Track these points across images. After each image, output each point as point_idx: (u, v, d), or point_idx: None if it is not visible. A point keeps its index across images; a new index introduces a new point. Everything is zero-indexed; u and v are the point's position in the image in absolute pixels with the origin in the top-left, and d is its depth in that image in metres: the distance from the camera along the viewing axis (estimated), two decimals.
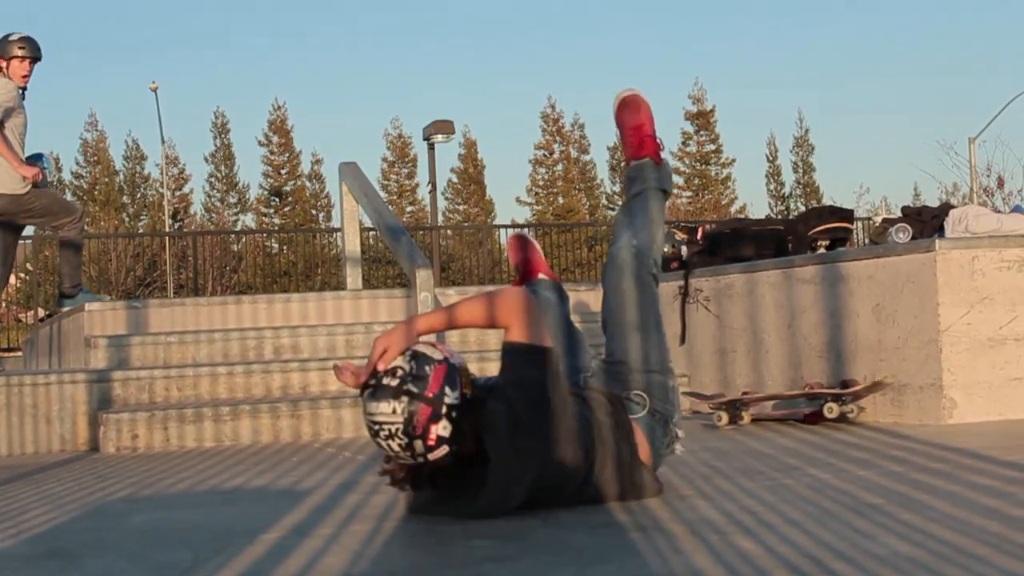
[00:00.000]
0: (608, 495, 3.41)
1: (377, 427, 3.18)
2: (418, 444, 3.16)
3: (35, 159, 8.47)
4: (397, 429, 3.15)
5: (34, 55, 8.43)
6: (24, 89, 8.44)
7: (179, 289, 29.82)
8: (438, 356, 3.25)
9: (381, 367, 3.20)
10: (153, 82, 42.67)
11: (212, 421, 6.04)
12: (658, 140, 3.88)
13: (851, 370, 5.83)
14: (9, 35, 8.42)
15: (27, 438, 6.15)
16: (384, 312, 8.12)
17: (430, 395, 3.15)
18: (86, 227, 8.73)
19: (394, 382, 3.17)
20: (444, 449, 3.18)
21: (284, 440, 6.06)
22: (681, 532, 2.95)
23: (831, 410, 5.63)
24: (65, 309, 8.63)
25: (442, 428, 3.16)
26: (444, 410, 3.16)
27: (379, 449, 3.26)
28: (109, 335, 7.26)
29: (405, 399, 3.15)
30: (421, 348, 3.27)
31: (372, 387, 3.19)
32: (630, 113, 3.92)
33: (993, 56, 72.70)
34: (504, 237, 31.83)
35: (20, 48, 8.36)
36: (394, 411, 3.14)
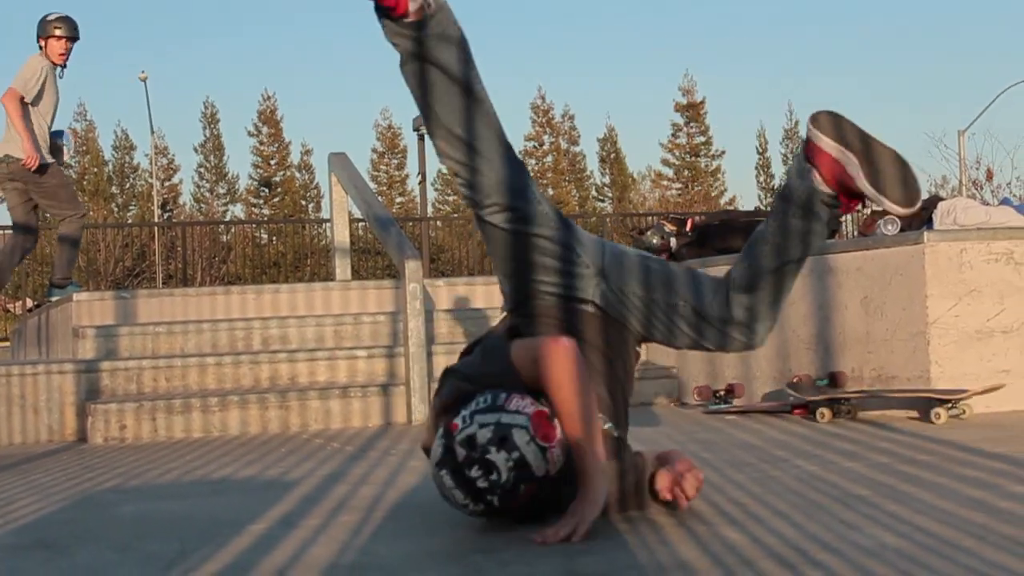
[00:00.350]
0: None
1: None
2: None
3: (56, 136, 8.71)
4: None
5: (71, 34, 8.64)
6: (63, 67, 8.67)
7: (168, 279, 29.77)
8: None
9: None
10: (142, 72, 42.63)
11: (200, 412, 6.03)
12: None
13: (839, 362, 5.84)
14: (48, 15, 8.63)
15: (15, 428, 6.14)
16: (373, 303, 8.12)
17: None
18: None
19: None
20: None
21: (272, 431, 6.06)
22: (668, 524, 2.96)
23: (938, 416, 5.14)
24: (54, 299, 8.64)
25: None
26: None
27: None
28: (97, 325, 7.25)
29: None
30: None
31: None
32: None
33: (983, 49, 72.88)
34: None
35: (57, 28, 8.58)
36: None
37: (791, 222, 3.18)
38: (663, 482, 3.08)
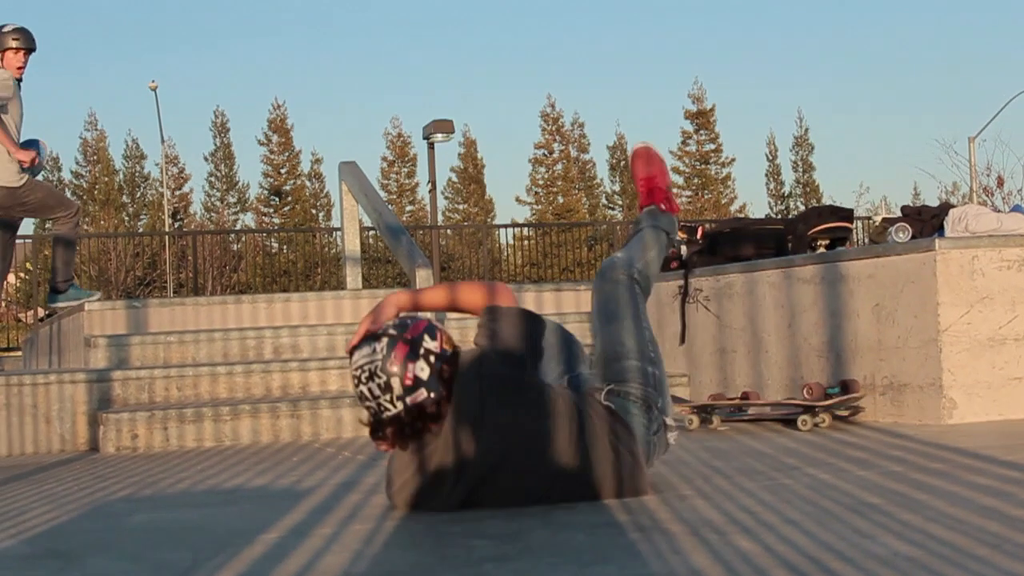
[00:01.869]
0: (605, 492, 3.44)
1: (359, 372, 3.33)
2: (395, 383, 3.27)
3: (30, 145, 8.42)
4: (376, 367, 3.29)
5: (28, 46, 8.44)
6: (20, 80, 8.44)
7: (179, 288, 29.82)
8: (421, 316, 3.50)
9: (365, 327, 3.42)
10: (153, 81, 42.69)
11: (212, 421, 6.04)
12: (668, 191, 4.13)
13: (851, 370, 5.83)
14: (3, 26, 8.42)
15: (27, 438, 6.16)
16: None
17: (409, 336, 3.32)
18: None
19: (377, 330, 3.37)
20: (423, 393, 3.29)
21: (284, 440, 6.06)
22: (680, 532, 2.95)
23: (805, 423, 5.55)
24: (60, 306, 8.59)
25: (419, 369, 3.29)
26: (422, 351, 3.31)
27: (364, 406, 3.38)
28: (109, 335, 7.26)
29: (385, 339, 3.32)
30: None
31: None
32: (643, 164, 4.21)
33: (993, 55, 72.72)
34: (504, 237, 31.85)
35: (15, 39, 8.36)
36: (374, 351, 3.31)
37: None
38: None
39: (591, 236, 33.10)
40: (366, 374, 3.30)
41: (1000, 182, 32.38)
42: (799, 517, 3.10)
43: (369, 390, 3.31)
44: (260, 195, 51.81)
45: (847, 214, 7.77)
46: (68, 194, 8.96)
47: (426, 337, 3.34)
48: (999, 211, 6.88)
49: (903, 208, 7.28)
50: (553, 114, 54.03)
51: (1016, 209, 7.10)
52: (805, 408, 5.59)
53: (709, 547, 2.77)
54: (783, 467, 4.18)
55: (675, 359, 7.00)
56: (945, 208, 7.03)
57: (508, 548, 2.86)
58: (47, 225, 8.70)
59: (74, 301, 8.43)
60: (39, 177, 8.76)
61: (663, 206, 4.08)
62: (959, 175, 58.55)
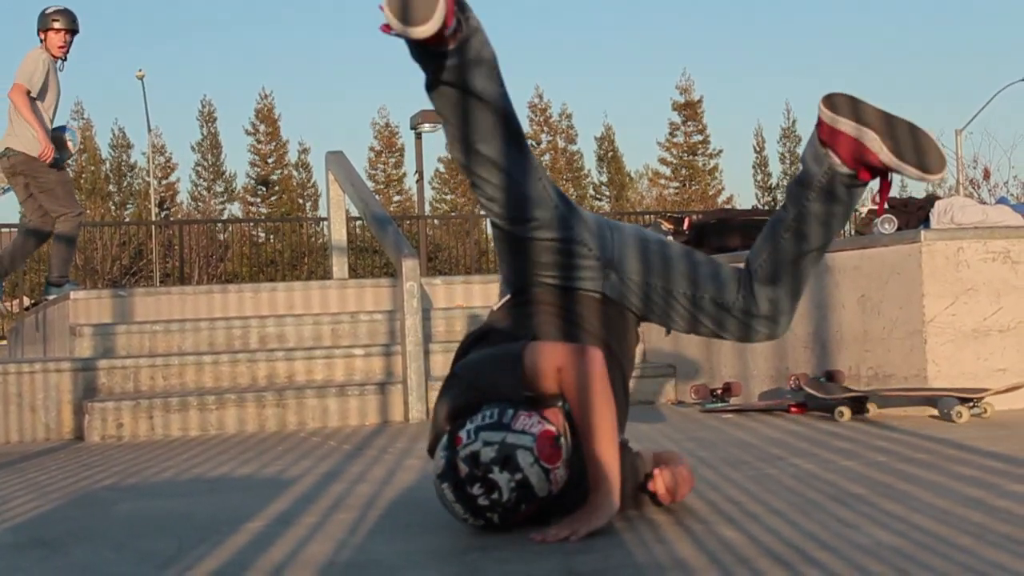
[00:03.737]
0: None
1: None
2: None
3: (60, 130, 8.74)
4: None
5: (70, 27, 8.69)
6: (63, 60, 8.72)
7: (165, 278, 29.76)
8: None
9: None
10: (140, 70, 42.60)
11: (197, 410, 6.03)
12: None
13: (836, 361, 5.84)
14: (47, 8, 8.70)
15: (11, 427, 6.14)
16: (370, 302, 8.12)
17: None
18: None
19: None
20: None
21: (269, 429, 6.06)
22: (665, 522, 2.96)
23: (960, 414, 5.09)
24: (51, 297, 8.63)
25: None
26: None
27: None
28: (94, 324, 7.24)
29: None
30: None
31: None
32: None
33: (980, 48, 72.90)
34: (491, 227, 31.82)
35: (55, 20, 8.63)
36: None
37: (810, 207, 3.18)
38: (661, 487, 3.07)
39: None
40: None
41: (987, 174, 32.47)
42: (784, 507, 3.11)
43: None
44: (247, 184, 51.79)
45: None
46: None
47: None
48: (985, 203, 6.90)
49: (889, 200, 7.29)
50: (541, 105, 54.07)
51: (1002, 201, 7.14)
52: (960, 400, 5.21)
53: (693, 537, 2.78)
54: (768, 457, 4.18)
55: (660, 349, 7.00)
56: (931, 200, 7.06)
57: (494, 538, 2.85)
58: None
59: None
60: (71, 161, 8.93)
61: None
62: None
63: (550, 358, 2.90)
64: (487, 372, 2.98)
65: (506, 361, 2.95)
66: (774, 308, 3.26)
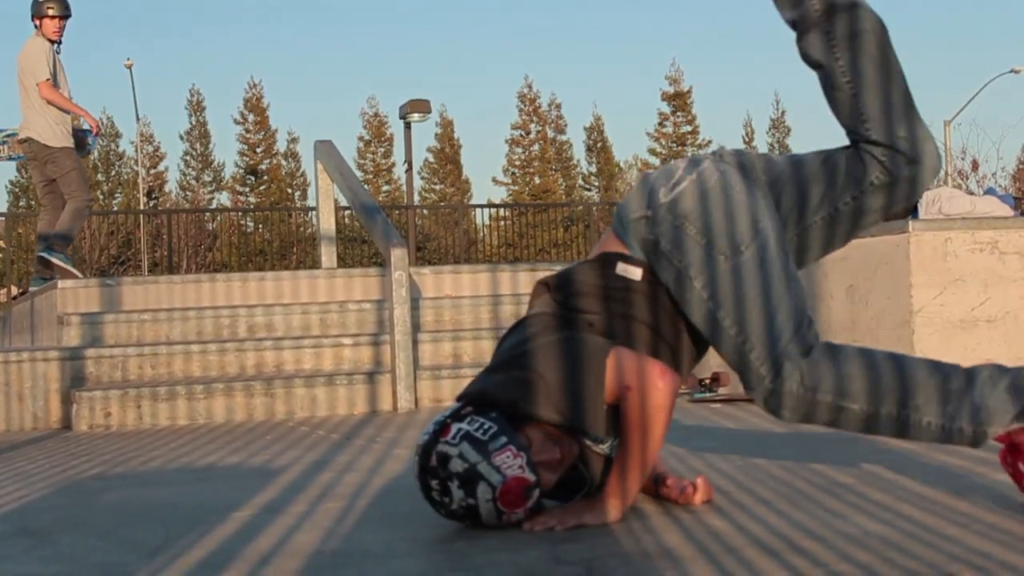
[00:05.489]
0: None
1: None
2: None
3: (84, 133, 9.29)
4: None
5: (64, 13, 9.06)
6: (59, 43, 9.06)
7: (153, 267, 29.71)
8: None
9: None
10: (128, 59, 42.49)
11: (185, 399, 6.02)
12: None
13: None
14: None
15: None
16: (359, 291, 8.11)
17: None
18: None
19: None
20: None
21: (258, 418, 6.05)
22: (653, 511, 2.96)
23: None
24: (53, 260, 8.72)
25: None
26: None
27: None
28: (82, 313, 7.23)
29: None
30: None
31: None
32: None
33: (969, 39, 72.96)
34: (480, 217, 31.80)
35: (50, 8, 8.98)
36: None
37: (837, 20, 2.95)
38: (673, 491, 3.09)
39: (567, 217, 33.12)
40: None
41: (975, 165, 32.61)
42: (771, 496, 3.11)
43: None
44: (236, 174, 51.75)
45: None
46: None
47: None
48: (973, 194, 6.91)
49: None
50: (530, 95, 54.06)
51: (989, 192, 7.14)
52: None
53: (681, 526, 2.78)
54: (756, 447, 4.19)
55: None
56: None
57: (480, 527, 2.85)
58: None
59: (60, 263, 8.80)
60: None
61: None
62: None
63: (626, 372, 2.79)
64: (555, 367, 2.82)
65: (582, 365, 2.81)
66: (909, 142, 2.89)
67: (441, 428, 2.79)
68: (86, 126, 9.41)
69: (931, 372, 2.81)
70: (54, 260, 8.75)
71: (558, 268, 8.90)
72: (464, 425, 2.77)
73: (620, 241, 2.99)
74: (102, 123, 49.61)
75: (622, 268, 2.94)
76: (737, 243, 2.84)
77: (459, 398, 2.91)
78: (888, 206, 2.97)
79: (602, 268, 2.98)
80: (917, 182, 2.91)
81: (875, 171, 2.90)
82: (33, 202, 9.81)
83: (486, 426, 2.76)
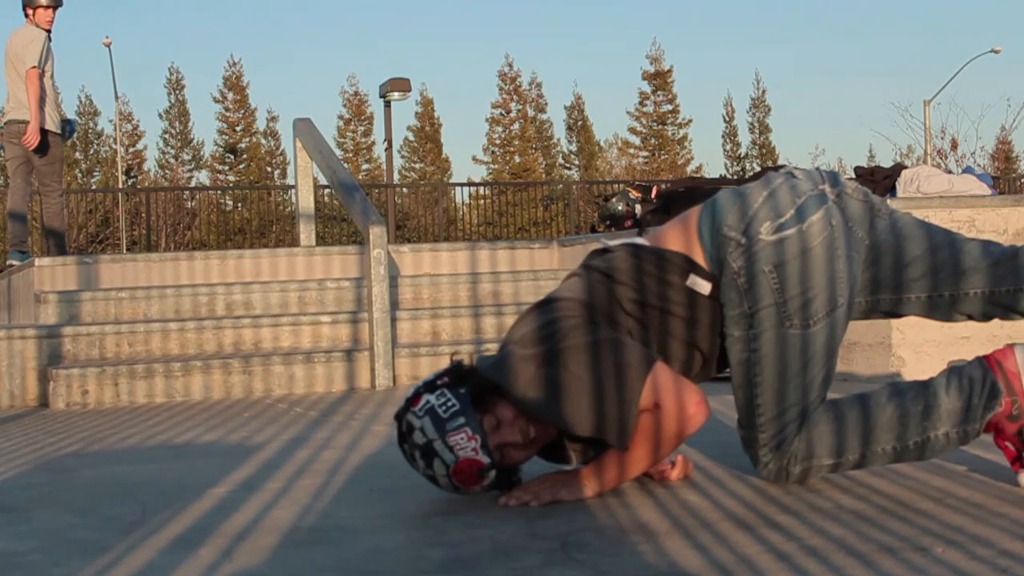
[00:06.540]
0: None
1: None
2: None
3: (68, 123, 9.52)
4: None
5: (55, 3, 9.30)
6: (49, 32, 9.26)
7: (132, 246, 29.62)
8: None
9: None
10: (107, 37, 42.27)
11: (163, 377, 6.01)
12: None
13: None
14: None
15: None
16: (337, 269, 8.11)
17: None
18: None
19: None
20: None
21: (235, 396, 6.04)
22: (629, 487, 2.97)
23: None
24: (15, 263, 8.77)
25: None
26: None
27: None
28: (59, 291, 7.20)
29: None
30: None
31: None
32: None
33: (950, 20, 73.07)
34: (460, 196, 31.76)
35: None
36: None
37: None
38: (677, 475, 3.10)
39: (547, 196, 33.10)
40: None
41: (954, 145, 32.68)
42: (747, 472, 3.12)
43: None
44: (215, 152, 51.50)
45: None
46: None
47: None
48: (952, 173, 6.92)
49: (856, 169, 7.32)
50: (511, 74, 53.93)
51: (967, 171, 7.15)
52: None
53: (657, 501, 2.79)
54: (731, 423, 4.19)
55: None
56: (898, 169, 7.07)
57: (456, 503, 2.86)
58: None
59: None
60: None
61: None
62: (914, 138, 58.82)
63: (664, 392, 2.75)
64: (593, 373, 2.75)
65: (624, 377, 2.74)
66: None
67: (413, 397, 2.81)
68: (70, 116, 9.66)
69: (898, 402, 2.81)
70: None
71: (536, 246, 8.94)
72: (432, 398, 2.78)
73: (697, 238, 2.89)
74: (80, 101, 49.48)
75: (692, 280, 2.86)
76: (808, 317, 2.79)
77: (474, 370, 2.86)
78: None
79: (665, 268, 2.88)
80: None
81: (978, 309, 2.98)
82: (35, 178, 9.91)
83: (450, 403, 2.76)
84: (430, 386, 2.82)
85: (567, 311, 2.84)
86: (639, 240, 2.98)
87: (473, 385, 2.80)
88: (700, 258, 2.87)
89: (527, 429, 2.81)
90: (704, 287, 2.85)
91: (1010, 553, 2.17)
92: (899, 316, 3.05)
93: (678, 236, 2.92)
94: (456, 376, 2.83)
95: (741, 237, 2.81)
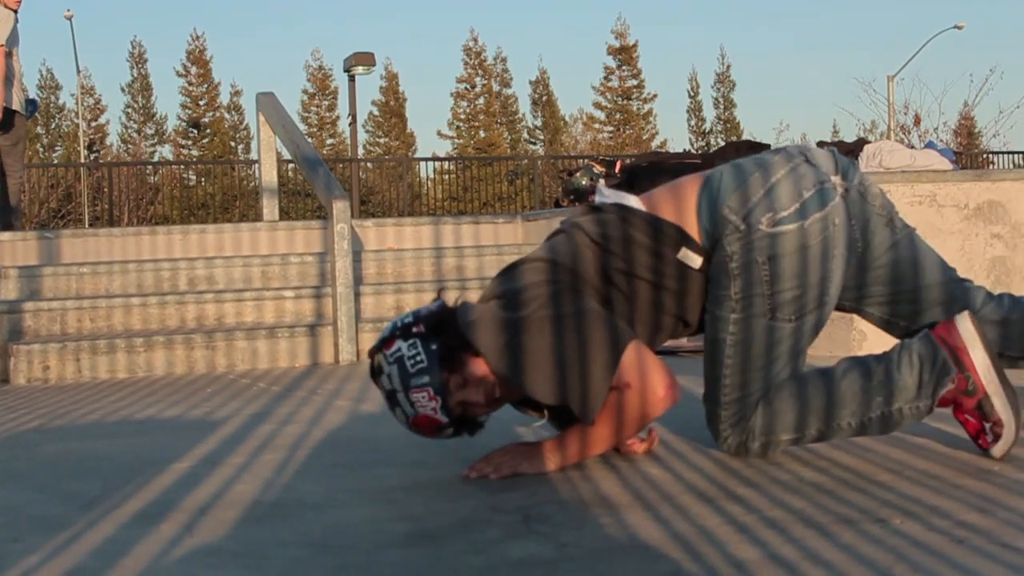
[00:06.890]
0: None
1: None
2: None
3: (30, 103, 9.43)
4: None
5: None
6: (16, 12, 9.18)
7: (95, 221, 29.42)
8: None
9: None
10: (68, 10, 41.89)
11: (125, 352, 5.98)
12: None
13: None
14: None
15: None
16: (301, 243, 8.08)
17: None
18: None
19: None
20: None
21: (198, 371, 6.02)
22: (591, 461, 2.97)
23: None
24: None
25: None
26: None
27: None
28: (20, 265, 7.15)
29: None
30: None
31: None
32: None
33: None
34: (425, 171, 31.66)
35: None
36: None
37: None
38: (642, 449, 3.11)
39: (512, 170, 33.08)
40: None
41: (917, 120, 32.83)
42: (708, 445, 3.14)
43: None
44: (178, 127, 51.22)
45: (764, 149, 7.81)
46: None
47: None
48: (914, 148, 6.96)
49: (819, 143, 7.34)
50: (476, 48, 53.83)
51: (929, 145, 7.19)
52: None
53: (619, 474, 2.80)
54: (695, 396, 4.21)
55: None
56: (860, 144, 7.10)
57: (418, 476, 2.87)
58: None
59: None
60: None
61: None
62: (877, 113, 59.17)
63: (631, 371, 2.73)
64: (568, 344, 2.72)
65: (603, 353, 2.71)
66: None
67: (389, 338, 2.82)
68: (33, 96, 9.59)
69: (853, 378, 2.83)
70: None
71: (501, 220, 8.93)
72: (404, 348, 2.78)
73: (695, 211, 2.87)
74: (41, 75, 49.07)
75: (684, 254, 2.85)
76: (793, 311, 2.80)
77: (454, 319, 2.81)
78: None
79: (658, 239, 2.86)
80: None
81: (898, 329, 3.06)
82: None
83: (419, 358, 2.76)
84: (406, 331, 2.80)
85: (553, 275, 2.82)
86: (632, 202, 2.95)
87: (448, 338, 2.77)
88: (694, 231, 2.86)
89: (493, 390, 2.80)
90: (695, 261, 2.85)
91: (967, 524, 2.19)
92: (849, 314, 3.08)
93: (673, 205, 2.91)
94: (433, 325, 2.80)
95: (740, 223, 2.80)
